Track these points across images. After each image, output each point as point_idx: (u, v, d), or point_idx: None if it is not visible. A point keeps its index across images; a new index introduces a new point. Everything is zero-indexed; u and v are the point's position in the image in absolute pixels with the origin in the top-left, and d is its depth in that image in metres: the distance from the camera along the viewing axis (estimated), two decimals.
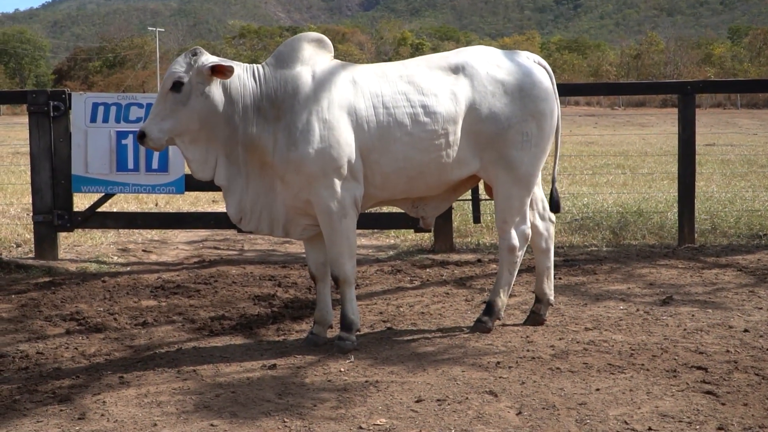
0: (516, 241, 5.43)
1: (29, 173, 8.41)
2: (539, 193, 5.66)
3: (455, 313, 6.07)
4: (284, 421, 3.99)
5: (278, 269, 7.74)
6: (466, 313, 6.03)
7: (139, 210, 11.28)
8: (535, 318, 5.66)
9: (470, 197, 8.57)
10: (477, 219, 8.73)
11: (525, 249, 5.54)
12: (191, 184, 8.05)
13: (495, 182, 5.37)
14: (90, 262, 8.23)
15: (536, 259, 5.72)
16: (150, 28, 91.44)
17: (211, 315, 6.11)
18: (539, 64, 5.47)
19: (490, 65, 5.31)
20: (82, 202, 9.80)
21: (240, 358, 5.05)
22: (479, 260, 8.00)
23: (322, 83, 5.07)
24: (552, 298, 5.71)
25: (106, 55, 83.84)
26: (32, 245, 8.44)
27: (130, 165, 7.98)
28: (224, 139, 5.01)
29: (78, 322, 5.96)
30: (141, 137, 4.92)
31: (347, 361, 4.92)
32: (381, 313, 6.12)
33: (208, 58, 4.94)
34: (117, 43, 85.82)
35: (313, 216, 5.15)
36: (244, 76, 5.04)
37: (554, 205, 5.62)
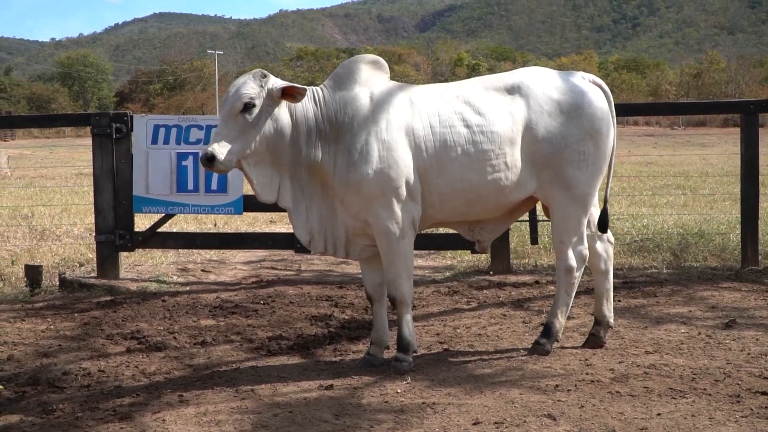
0: (573, 261, 5.38)
1: (92, 194, 8.56)
2: (596, 213, 5.61)
3: (513, 335, 6.03)
4: None
5: (335, 289, 7.76)
6: (524, 335, 5.98)
7: (198, 230, 11.39)
8: (594, 340, 5.60)
9: (527, 218, 8.52)
10: (534, 240, 8.68)
11: (582, 270, 5.49)
12: (249, 204, 8.12)
13: (552, 202, 5.34)
14: (150, 281, 8.33)
15: (595, 280, 5.66)
16: (209, 51, 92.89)
17: (268, 335, 6.14)
18: (595, 83, 5.44)
19: (546, 85, 5.30)
20: (143, 222, 9.94)
21: (297, 378, 5.07)
22: (537, 282, 7.94)
23: (380, 104, 5.09)
24: (612, 320, 5.64)
25: (166, 78, 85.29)
26: (95, 264, 8.58)
27: (190, 186, 8.07)
28: (289, 162, 5.03)
29: (138, 341, 6.03)
30: (209, 160, 4.78)
31: (404, 382, 4.91)
32: (438, 334, 6.11)
33: (277, 81, 4.98)
34: (177, 66, 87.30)
35: (372, 237, 5.16)
36: (305, 99, 5.07)
37: (602, 225, 5.56)
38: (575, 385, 4.76)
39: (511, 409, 4.40)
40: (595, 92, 5.36)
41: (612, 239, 5.67)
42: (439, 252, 9.60)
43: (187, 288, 8.05)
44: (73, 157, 29.91)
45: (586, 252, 5.44)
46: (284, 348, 5.81)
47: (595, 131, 5.28)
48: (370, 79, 5.18)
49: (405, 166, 5.02)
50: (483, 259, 8.90)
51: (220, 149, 4.80)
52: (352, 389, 4.81)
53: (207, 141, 7.73)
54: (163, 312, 6.90)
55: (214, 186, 8.06)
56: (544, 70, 5.48)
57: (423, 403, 4.52)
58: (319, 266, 9.17)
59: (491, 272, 8.41)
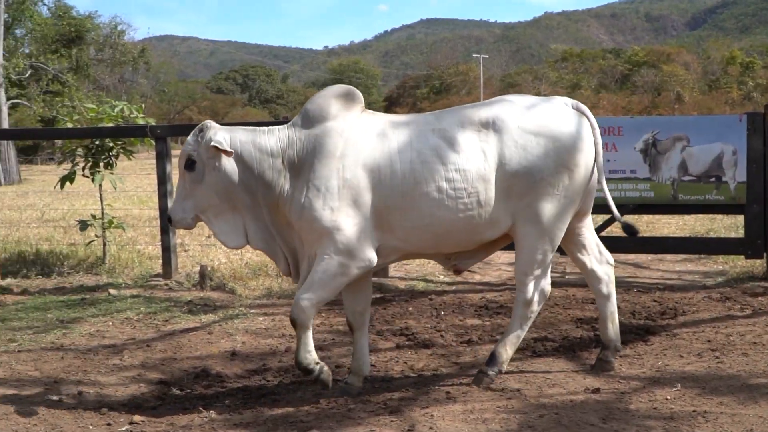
0: (533, 296, 5.04)
1: None
2: (593, 238, 5.28)
3: None
4: None
5: None
6: None
7: None
8: (602, 365, 5.26)
9: None
10: None
11: (541, 306, 5.14)
12: None
13: (518, 234, 4.98)
14: (418, 280, 8.58)
15: (598, 305, 5.33)
16: (474, 55, 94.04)
17: (534, 336, 6.17)
18: (578, 109, 5.04)
19: (521, 118, 4.90)
20: None
21: (562, 380, 5.07)
22: None
23: (347, 139, 4.87)
24: (619, 343, 5.34)
25: (432, 82, 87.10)
26: None
27: None
28: (247, 205, 4.97)
29: (407, 338, 6.25)
30: (170, 221, 5.03)
31: (674, 389, 4.79)
32: (709, 341, 5.89)
33: (215, 133, 4.91)
34: (443, 70, 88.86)
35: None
36: (263, 140, 4.96)
37: (629, 229, 5.14)
38: None
39: None
40: (575, 120, 4.97)
41: (612, 261, 5.32)
42: (711, 257, 9.22)
43: (453, 287, 8.23)
44: None
45: (548, 288, 5.11)
46: (549, 349, 5.83)
47: (574, 164, 4.89)
48: (341, 112, 4.96)
49: (363, 206, 4.81)
50: (758, 264, 8.46)
51: (176, 208, 5.00)
52: (619, 393, 4.75)
53: None
54: (430, 310, 7.10)
55: None
56: (520, 100, 5.06)
57: (694, 411, 4.39)
58: None
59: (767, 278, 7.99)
